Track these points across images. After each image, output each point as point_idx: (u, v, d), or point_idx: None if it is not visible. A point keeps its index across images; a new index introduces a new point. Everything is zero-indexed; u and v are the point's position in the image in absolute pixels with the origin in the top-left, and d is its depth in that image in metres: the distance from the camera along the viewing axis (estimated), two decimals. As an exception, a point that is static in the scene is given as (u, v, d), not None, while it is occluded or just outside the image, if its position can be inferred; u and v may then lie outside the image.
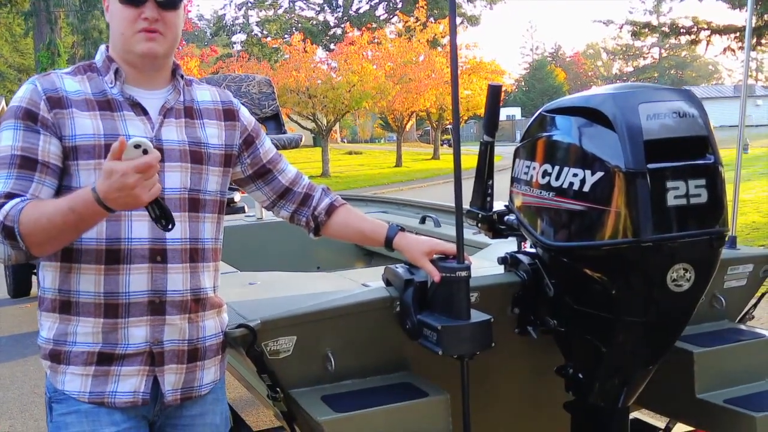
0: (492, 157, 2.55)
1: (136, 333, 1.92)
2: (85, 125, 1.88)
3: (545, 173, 2.20)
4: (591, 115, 2.12)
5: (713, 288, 2.72)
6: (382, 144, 56.68)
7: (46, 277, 1.95)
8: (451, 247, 2.19)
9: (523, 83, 77.49)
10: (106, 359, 1.91)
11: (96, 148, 1.87)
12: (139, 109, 1.95)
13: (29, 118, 1.84)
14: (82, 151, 1.87)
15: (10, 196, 1.78)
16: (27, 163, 1.82)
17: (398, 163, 30.27)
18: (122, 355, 1.91)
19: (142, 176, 1.60)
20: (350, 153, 40.05)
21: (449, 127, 40.24)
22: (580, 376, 2.38)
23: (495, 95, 2.53)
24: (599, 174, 2.04)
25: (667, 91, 2.17)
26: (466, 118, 35.66)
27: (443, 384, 2.26)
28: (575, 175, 2.10)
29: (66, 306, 1.91)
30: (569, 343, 2.41)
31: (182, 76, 2.06)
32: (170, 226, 1.74)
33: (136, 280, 1.91)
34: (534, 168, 2.26)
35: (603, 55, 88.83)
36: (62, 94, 1.89)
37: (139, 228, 1.90)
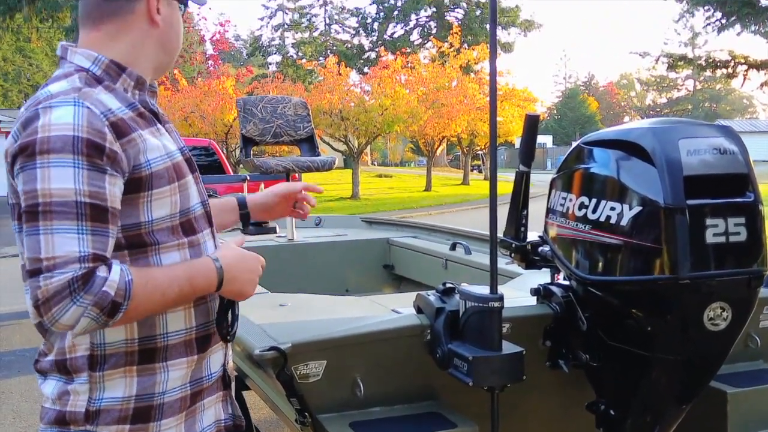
0: (527, 187, 2.54)
1: (216, 359, 1.77)
2: (153, 146, 1.59)
3: (582, 205, 2.18)
4: (630, 148, 2.10)
5: (749, 327, 2.67)
6: (412, 168, 56.80)
7: (111, 332, 1.59)
8: (301, 185, 2.16)
9: (555, 111, 77.31)
10: (196, 397, 1.72)
11: (168, 171, 1.61)
12: (157, 119, 1.71)
13: (95, 152, 1.46)
14: (156, 178, 1.58)
15: (97, 258, 1.43)
16: (98, 214, 1.46)
17: (428, 188, 30.24)
18: (207, 387, 1.75)
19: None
20: (380, 176, 40.14)
21: (479, 152, 40.21)
22: (612, 412, 2.34)
23: (532, 125, 2.52)
24: (637, 208, 2.02)
25: (707, 126, 2.15)
26: (497, 144, 35.51)
27: (472, 415, 2.24)
28: (613, 208, 2.08)
29: (149, 354, 1.62)
30: (601, 379, 2.38)
31: None
32: (230, 338, 1.79)
33: (218, 303, 1.76)
34: (570, 200, 2.24)
35: (636, 86, 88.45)
36: (118, 114, 1.54)
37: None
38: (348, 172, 29.61)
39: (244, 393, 3.25)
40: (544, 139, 60.76)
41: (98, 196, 1.45)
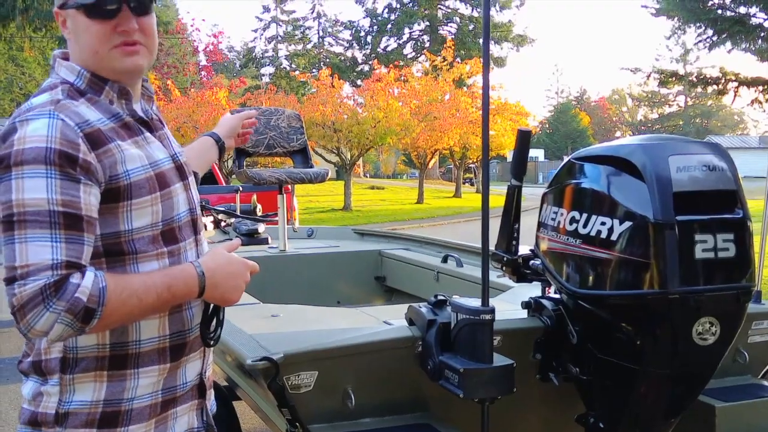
0: (519, 201, 2.57)
1: (192, 368, 1.76)
2: (134, 157, 1.61)
3: (573, 220, 2.21)
4: (620, 164, 2.13)
5: (737, 342, 2.70)
6: (405, 180, 56.87)
7: (85, 336, 1.58)
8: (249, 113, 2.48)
9: (547, 125, 77.57)
10: (167, 405, 1.71)
11: (149, 181, 1.62)
12: (147, 127, 1.72)
13: (68, 162, 1.48)
14: (136, 188, 1.59)
15: (71, 266, 1.45)
16: (72, 222, 1.47)
17: (420, 200, 30.28)
18: (180, 396, 1.74)
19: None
20: (372, 188, 40.13)
21: (471, 165, 40.30)
22: (601, 425, 2.36)
23: (524, 140, 2.55)
24: (627, 224, 2.04)
25: (697, 144, 2.18)
26: (489, 157, 35.56)
27: (462, 427, 2.25)
28: (603, 223, 2.10)
29: (120, 360, 1.63)
30: (591, 392, 2.40)
31: (146, 80, 1.81)
32: (212, 343, 1.77)
33: (197, 312, 1.75)
34: (562, 214, 2.27)
35: (628, 101, 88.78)
36: (96, 126, 1.56)
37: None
38: (340, 183, 29.62)
39: (235, 403, 3.25)
40: (536, 153, 60.91)
41: (72, 205, 1.47)
